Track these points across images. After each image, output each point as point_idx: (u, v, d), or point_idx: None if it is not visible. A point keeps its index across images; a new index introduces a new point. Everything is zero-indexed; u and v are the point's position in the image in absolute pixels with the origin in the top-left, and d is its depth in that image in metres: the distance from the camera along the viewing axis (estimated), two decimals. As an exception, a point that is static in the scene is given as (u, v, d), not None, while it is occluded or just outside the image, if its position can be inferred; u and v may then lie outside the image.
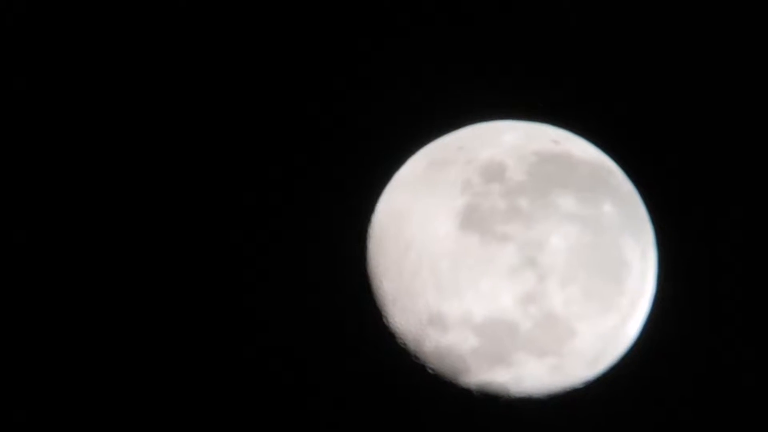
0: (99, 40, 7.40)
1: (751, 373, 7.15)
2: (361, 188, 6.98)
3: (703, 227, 7.32)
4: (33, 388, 7.04)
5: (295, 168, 7.42)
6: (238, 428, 7.12)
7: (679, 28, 7.48)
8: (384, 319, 6.60)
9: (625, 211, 6.43)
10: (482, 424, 6.66)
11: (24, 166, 7.26)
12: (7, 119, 7.26)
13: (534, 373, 6.25)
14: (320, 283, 7.17)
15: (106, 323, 7.20)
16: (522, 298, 6.09)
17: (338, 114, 7.47)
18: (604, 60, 7.51)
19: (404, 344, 6.55)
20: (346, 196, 7.20)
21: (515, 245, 6.11)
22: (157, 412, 7.09)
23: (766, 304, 7.22)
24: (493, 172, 6.37)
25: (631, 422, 7.08)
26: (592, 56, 7.50)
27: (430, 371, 6.50)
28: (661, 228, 6.71)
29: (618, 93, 7.48)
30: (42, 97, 7.36)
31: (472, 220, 6.21)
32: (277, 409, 7.18)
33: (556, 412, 6.58)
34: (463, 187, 6.36)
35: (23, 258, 7.19)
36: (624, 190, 6.64)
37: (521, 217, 6.16)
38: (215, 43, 7.47)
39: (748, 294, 7.23)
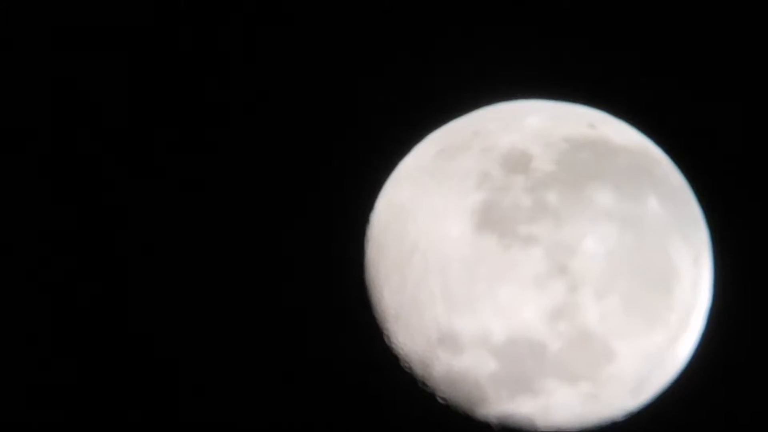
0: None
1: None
2: (357, 181, 6.74)
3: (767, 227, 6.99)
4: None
5: (276, 157, 7.06)
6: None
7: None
8: (385, 338, 6.33)
9: (674, 208, 6.13)
10: (503, 463, 6.38)
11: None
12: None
13: (565, 403, 5.96)
14: (307, 295, 6.89)
15: (98, 324, 7.22)
16: (550, 312, 5.75)
17: (329, 92, 7.09)
18: (650, 26, 7.15)
19: (409, 368, 6.27)
20: (339, 190, 6.97)
21: (542, 249, 5.78)
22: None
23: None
24: (516, 162, 6.05)
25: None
26: (636, 21, 7.15)
27: (440, 401, 6.24)
28: (717, 228, 6.45)
29: (666, 66, 7.11)
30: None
31: (491, 219, 5.88)
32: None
33: (591, 449, 6.26)
34: (479, 180, 6.03)
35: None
36: (673, 183, 6.32)
37: (549, 215, 5.83)
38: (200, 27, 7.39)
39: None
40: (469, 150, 6.26)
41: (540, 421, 6.04)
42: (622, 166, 6.12)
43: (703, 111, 7.20)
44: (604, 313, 5.77)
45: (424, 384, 6.24)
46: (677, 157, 6.45)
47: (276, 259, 6.97)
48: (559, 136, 6.16)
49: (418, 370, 6.22)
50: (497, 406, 6.00)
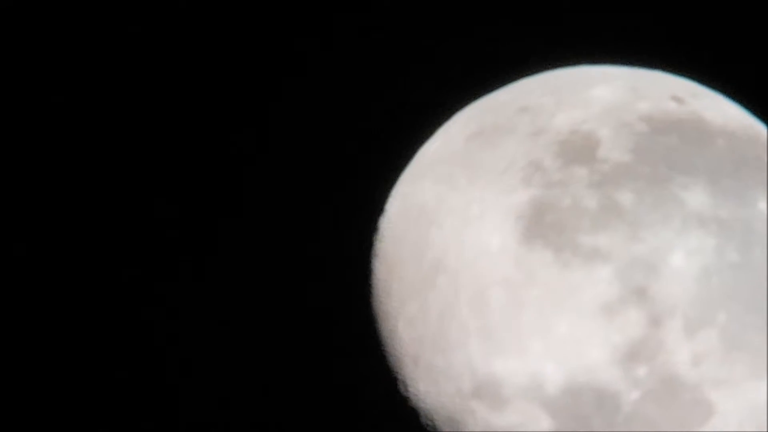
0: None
1: None
2: (364, 176, 6.32)
3: None
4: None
5: (255, 143, 6.46)
6: None
7: None
8: (400, 388, 5.67)
9: (793, 212, 5.55)
10: None
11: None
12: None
13: (645, 477, 5.32)
14: (298, 331, 6.31)
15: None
16: (624, 352, 5.07)
17: (326, 57, 6.43)
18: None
19: (433, 428, 5.61)
20: (339, 188, 6.52)
21: (613, 267, 5.09)
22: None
23: None
24: (578, 149, 5.41)
25: None
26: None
27: (475, 472, 5.70)
28: None
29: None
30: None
31: (543, 226, 5.26)
32: None
33: None
34: (527, 174, 5.41)
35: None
36: (791, 177, 5.77)
37: (622, 221, 5.16)
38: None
39: None
40: (513, 133, 5.61)
41: (611, 501, 5.46)
42: (721, 155, 5.43)
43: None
44: (698, 353, 5.04)
45: (452, 450, 5.75)
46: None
47: (247, 288, 6.41)
48: (637, 114, 5.50)
49: (445, 429, 5.55)
50: (552, 481, 5.44)
